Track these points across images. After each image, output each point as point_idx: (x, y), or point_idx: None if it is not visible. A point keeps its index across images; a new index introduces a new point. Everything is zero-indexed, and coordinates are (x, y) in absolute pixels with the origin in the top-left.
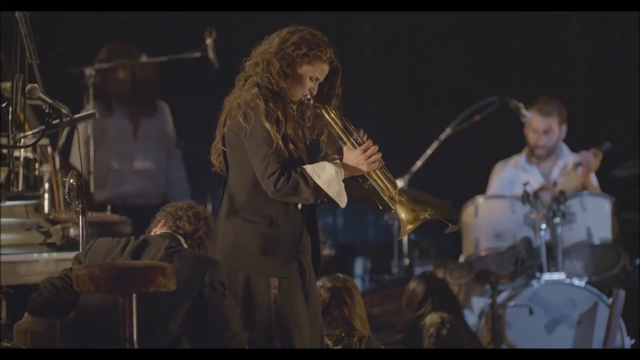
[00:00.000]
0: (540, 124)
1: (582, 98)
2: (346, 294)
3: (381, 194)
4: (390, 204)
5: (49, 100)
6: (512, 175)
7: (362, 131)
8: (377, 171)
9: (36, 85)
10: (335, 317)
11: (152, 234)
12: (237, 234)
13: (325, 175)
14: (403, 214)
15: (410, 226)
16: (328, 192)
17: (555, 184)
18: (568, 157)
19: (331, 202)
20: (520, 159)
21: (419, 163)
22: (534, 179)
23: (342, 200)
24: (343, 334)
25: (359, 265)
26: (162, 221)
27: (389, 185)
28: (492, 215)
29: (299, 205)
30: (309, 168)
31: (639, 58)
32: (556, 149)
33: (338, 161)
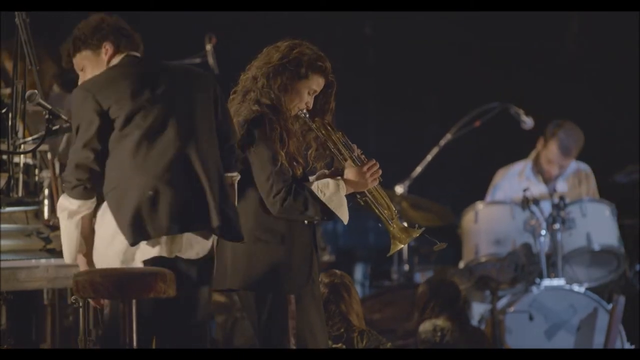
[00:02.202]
0: (559, 160)
1: (582, 102)
2: (343, 290)
3: (379, 209)
4: (388, 221)
5: (49, 107)
6: (515, 185)
7: (355, 146)
8: (376, 187)
9: (36, 91)
10: (332, 313)
11: None
12: (249, 254)
13: (330, 193)
14: (396, 232)
15: (402, 244)
16: (333, 210)
17: (555, 190)
18: (573, 167)
19: (332, 219)
20: (526, 168)
21: (419, 169)
22: (537, 190)
23: (345, 217)
24: (342, 330)
25: (359, 271)
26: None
27: (388, 202)
28: (492, 221)
29: (306, 220)
30: (313, 186)
31: (639, 62)
32: None
33: (340, 178)
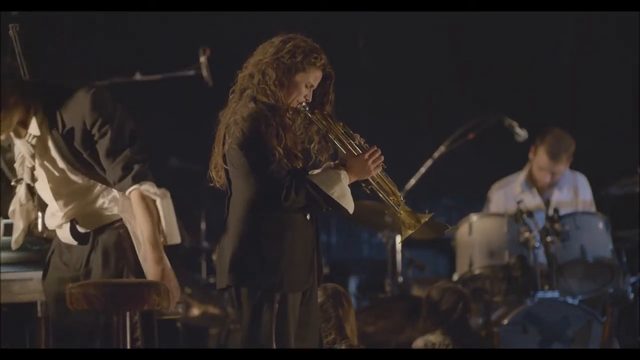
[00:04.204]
0: (549, 166)
1: (577, 114)
2: (344, 299)
3: (386, 197)
4: (395, 207)
5: None
6: (511, 197)
7: (357, 135)
8: (380, 174)
9: None
10: (329, 317)
11: None
12: (253, 253)
13: (332, 183)
14: (404, 218)
15: (411, 231)
16: (336, 200)
17: (549, 201)
18: (569, 178)
19: (336, 209)
20: (521, 181)
21: (412, 181)
22: (533, 202)
23: (350, 206)
24: (332, 335)
25: (352, 284)
26: None
27: (393, 188)
28: (486, 233)
29: (308, 216)
30: (315, 177)
31: (638, 72)
32: None
33: (342, 167)
